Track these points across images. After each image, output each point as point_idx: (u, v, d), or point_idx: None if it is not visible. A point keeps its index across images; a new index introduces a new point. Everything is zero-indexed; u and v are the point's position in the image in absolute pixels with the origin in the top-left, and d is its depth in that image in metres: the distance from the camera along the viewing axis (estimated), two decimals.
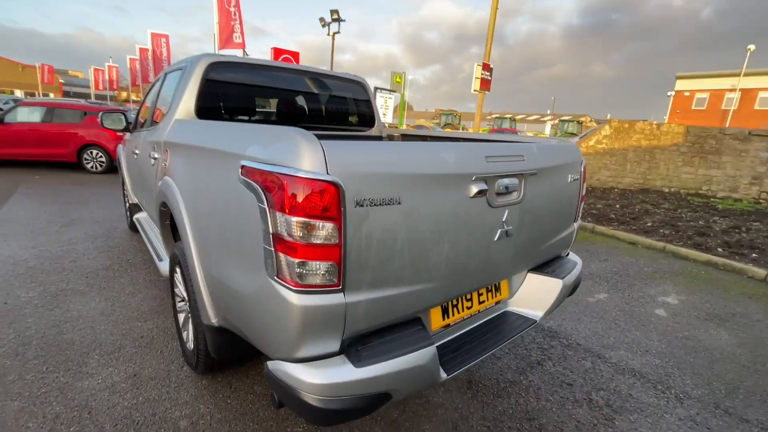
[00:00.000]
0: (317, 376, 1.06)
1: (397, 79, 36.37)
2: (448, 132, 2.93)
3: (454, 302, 1.58)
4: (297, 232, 0.98)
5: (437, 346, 1.48)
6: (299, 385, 1.05)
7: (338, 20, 14.70)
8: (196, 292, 1.57)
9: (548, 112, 57.43)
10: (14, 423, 1.72)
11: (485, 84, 11.63)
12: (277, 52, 18.87)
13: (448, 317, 1.55)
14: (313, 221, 0.98)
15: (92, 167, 8.02)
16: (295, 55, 19.24)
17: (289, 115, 2.81)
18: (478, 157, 1.35)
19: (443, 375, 1.34)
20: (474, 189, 1.31)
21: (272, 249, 1.01)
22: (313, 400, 1.06)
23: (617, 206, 7.13)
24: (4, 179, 6.80)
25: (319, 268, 1.01)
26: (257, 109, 2.67)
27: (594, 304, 3.33)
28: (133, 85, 28.81)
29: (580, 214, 2.14)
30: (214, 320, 1.53)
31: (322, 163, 0.98)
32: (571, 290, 1.99)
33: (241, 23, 10.62)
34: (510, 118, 34.40)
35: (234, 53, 10.52)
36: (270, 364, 1.14)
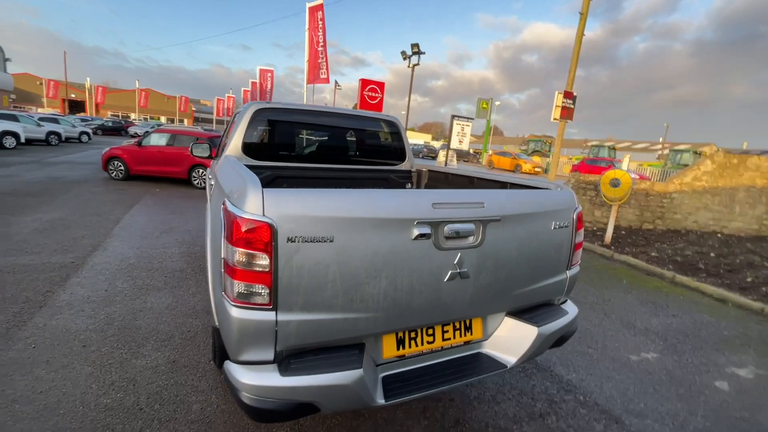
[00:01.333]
0: (249, 378, 1.29)
1: (483, 106, 35.95)
2: (467, 169, 3.00)
3: (412, 335, 1.68)
4: (237, 259, 1.25)
5: (388, 375, 1.61)
6: (237, 383, 1.30)
7: (418, 53, 15.44)
8: (210, 299, 1.94)
9: (660, 140, 50.81)
10: (83, 383, 2.27)
11: (566, 113, 11.05)
12: (364, 82, 20.27)
13: (403, 348, 1.66)
14: (249, 251, 1.24)
15: (197, 183, 9.61)
16: (381, 85, 20.44)
17: (324, 153, 3.20)
18: (424, 203, 1.48)
19: (380, 400, 1.46)
20: (416, 232, 1.44)
21: (222, 270, 1.29)
22: (246, 398, 1.29)
23: (711, 254, 6.11)
24: (136, 190, 8.54)
25: (253, 289, 1.26)
26: (296, 148, 3.10)
27: (635, 363, 2.99)
28: None
29: (576, 262, 2.05)
30: (216, 323, 1.87)
31: (260, 206, 1.24)
32: (555, 340, 1.91)
33: (326, 60, 11.85)
34: (610, 147, 31.39)
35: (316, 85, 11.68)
36: (226, 363, 1.41)
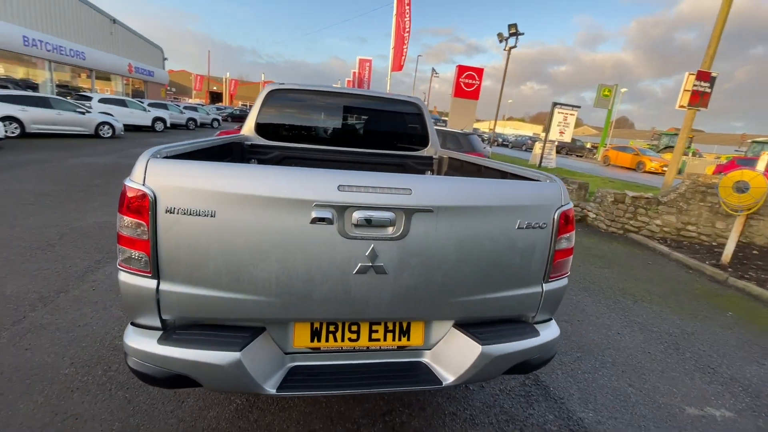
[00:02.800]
0: (132, 341, 1.33)
1: (605, 93, 31.58)
2: (483, 159, 2.62)
3: (331, 328, 1.54)
4: (121, 224, 1.29)
5: (298, 365, 1.51)
6: (125, 344, 1.36)
7: (516, 34, 14.05)
8: None
9: None
10: (110, 325, 2.67)
11: (698, 98, 8.93)
12: (461, 69, 19.54)
13: (318, 341, 1.53)
14: (129, 218, 1.26)
15: None
16: (479, 71, 19.48)
17: (337, 135, 3.13)
18: (327, 184, 1.31)
19: (269, 389, 1.38)
20: (313, 215, 1.29)
21: (116, 235, 1.35)
22: (129, 359, 1.35)
23: None
24: None
25: (133, 256, 1.28)
26: (309, 129, 3.10)
27: (690, 419, 2.30)
28: None
29: (561, 274, 1.61)
30: None
31: (142, 176, 1.25)
32: (512, 365, 1.55)
33: (407, 48, 11.62)
34: None
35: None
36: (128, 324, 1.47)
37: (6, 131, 9.95)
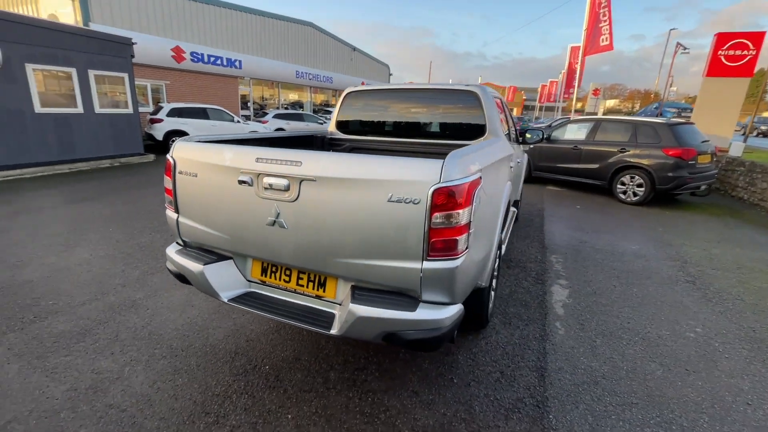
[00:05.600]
0: (168, 251, 2.22)
1: None
2: None
3: (274, 269, 2.03)
4: (164, 180, 2.17)
5: (252, 291, 2.10)
6: (166, 253, 2.27)
7: None
8: None
9: None
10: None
11: None
12: (722, 38, 14.71)
13: (265, 276, 2.05)
14: (166, 176, 2.13)
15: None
16: (755, 37, 14.16)
17: (402, 128, 3.42)
18: (250, 157, 1.80)
19: (223, 298, 2.01)
20: (239, 179, 1.83)
21: None
22: (167, 262, 2.25)
23: None
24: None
25: (167, 200, 2.16)
26: (377, 124, 3.52)
27: None
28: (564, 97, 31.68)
29: (446, 254, 1.51)
30: None
31: (171, 151, 2.10)
32: (380, 333, 1.62)
33: (610, 23, 9.73)
34: None
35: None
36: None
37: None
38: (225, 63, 17.15)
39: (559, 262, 4.34)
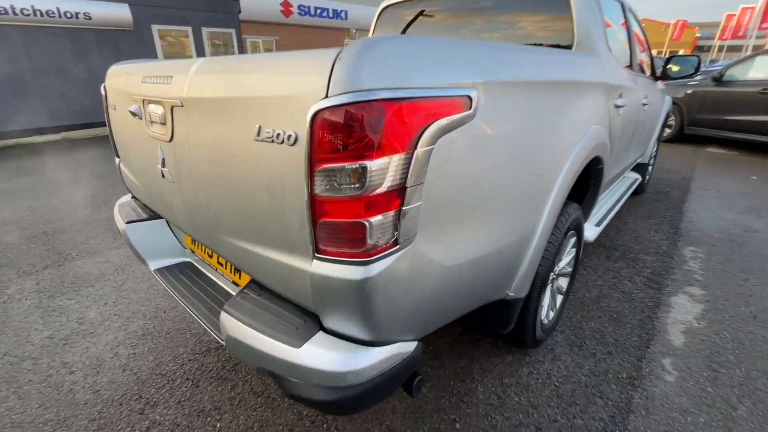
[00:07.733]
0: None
1: None
2: None
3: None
4: None
5: (189, 261, 1.65)
6: None
7: None
8: None
9: None
10: None
11: None
12: None
13: (194, 246, 1.54)
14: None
15: None
16: None
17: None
18: (137, 77, 1.21)
19: (151, 265, 1.60)
20: (129, 108, 1.27)
21: None
22: None
23: None
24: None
25: None
26: None
27: None
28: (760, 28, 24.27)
29: (344, 253, 0.69)
30: None
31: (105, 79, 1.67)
32: (253, 360, 0.93)
33: None
34: None
35: None
36: None
37: None
38: (331, 14, 16.98)
39: (698, 258, 2.89)
